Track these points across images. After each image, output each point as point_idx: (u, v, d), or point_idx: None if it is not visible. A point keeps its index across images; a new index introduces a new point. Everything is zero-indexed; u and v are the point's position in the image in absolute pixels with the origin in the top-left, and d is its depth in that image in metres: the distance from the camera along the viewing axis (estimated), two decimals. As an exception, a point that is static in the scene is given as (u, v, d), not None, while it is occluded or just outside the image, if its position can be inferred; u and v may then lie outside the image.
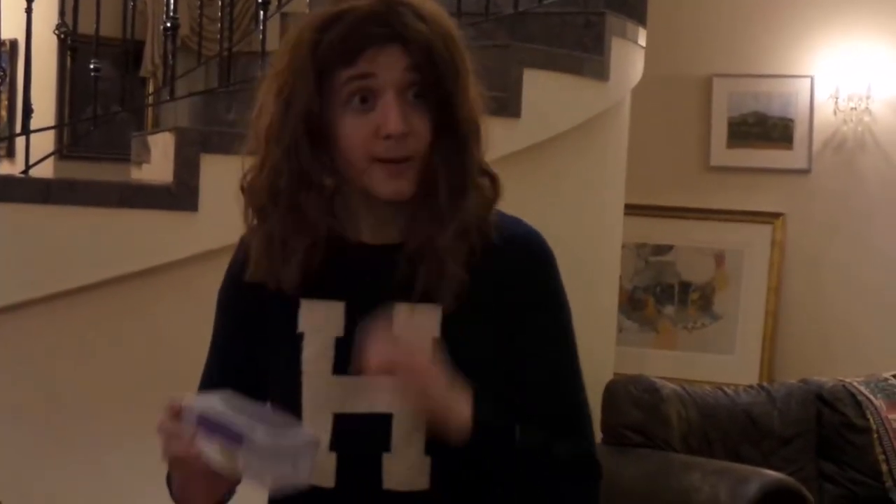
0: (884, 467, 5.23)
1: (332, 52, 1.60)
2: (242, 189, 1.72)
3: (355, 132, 1.61)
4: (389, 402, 1.65)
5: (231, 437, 1.52)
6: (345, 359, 1.67)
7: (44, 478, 3.93)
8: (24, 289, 3.99)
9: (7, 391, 4.02)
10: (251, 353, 1.81)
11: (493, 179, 1.71)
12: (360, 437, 1.69)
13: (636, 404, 4.74)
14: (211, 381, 1.86)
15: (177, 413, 1.55)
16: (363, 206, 1.69)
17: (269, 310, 1.75)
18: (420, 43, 1.58)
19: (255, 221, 1.72)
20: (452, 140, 1.64)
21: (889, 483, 5.22)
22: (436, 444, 1.64)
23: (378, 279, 1.67)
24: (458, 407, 1.58)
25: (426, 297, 1.65)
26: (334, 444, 1.68)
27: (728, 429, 4.94)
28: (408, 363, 1.54)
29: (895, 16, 7.66)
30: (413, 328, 1.65)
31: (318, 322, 1.70)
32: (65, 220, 4.04)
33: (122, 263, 4.04)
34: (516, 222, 1.75)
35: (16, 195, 4.07)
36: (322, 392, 1.70)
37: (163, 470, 1.71)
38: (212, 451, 1.53)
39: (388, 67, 1.59)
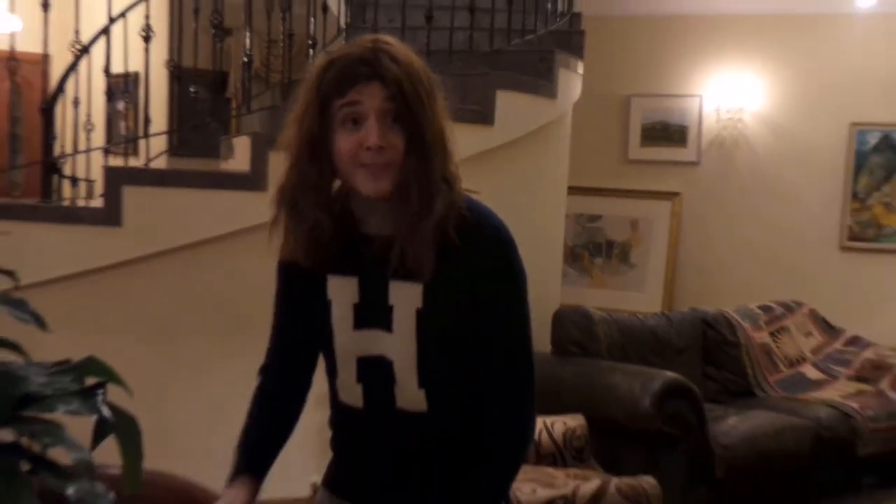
0: (749, 371, 5.27)
1: (329, 87, 1.56)
2: (277, 191, 1.67)
3: (347, 144, 1.55)
4: (390, 351, 1.64)
5: None
6: (361, 318, 1.66)
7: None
8: (144, 246, 4.02)
9: (137, 324, 4.06)
10: (297, 311, 1.79)
11: (452, 183, 1.62)
12: (375, 374, 1.66)
13: (575, 326, 4.77)
14: (275, 330, 1.85)
15: None
16: (368, 208, 1.64)
17: (306, 281, 1.71)
18: (394, 80, 1.53)
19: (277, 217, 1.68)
20: (421, 152, 1.56)
21: (753, 382, 5.26)
22: (426, 382, 1.63)
23: (378, 261, 1.62)
24: None
25: (409, 276, 1.59)
26: (359, 378, 1.69)
27: (640, 343, 4.98)
28: None
29: (760, 53, 7.67)
30: (402, 300, 1.62)
31: (341, 292, 1.68)
32: (175, 198, 4.07)
33: (214, 227, 4.07)
34: (486, 214, 1.65)
35: (141, 180, 4.11)
36: (347, 342, 1.68)
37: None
38: None
39: (371, 98, 1.53)
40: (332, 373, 1.74)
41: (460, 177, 1.65)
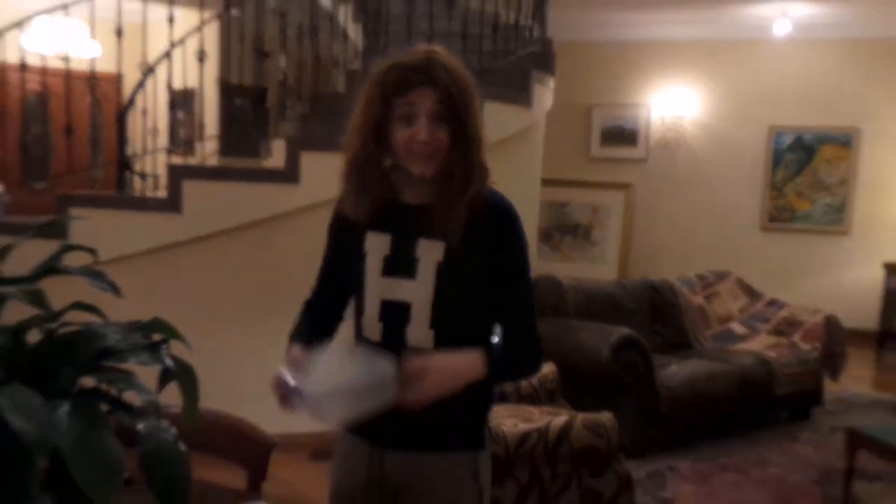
0: (688, 327, 5.26)
1: (390, 87, 1.57)
2: (346, 164, 1.67)
3: (402, 136, 1.57)
4: (410, 295, 1.63)
5: (297, 393, 1.51)
6: (389, 268, 1.65)
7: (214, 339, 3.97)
8: (200, 228, 4.01)
9: (204, 287, 4.05)
10: (340, 260, 1.77)
11: (485, 171, 1.62)
12: (394, 314, 1.65)
13: (549, 292, 4.77)
14: (321, 273, 1.84)
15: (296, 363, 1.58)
16: (407, 181, 1.65)
17: (350, 236, 1.70)
18: (444, 87, 1.53)
19: (346, 183, 1.68)
20: (463, 146, 1.57)
21: (691, 336, 5.26)
22: (436, 323, 1.62)
23: (411, 223, 1.63)
24: (471, 370, 1.57)
25: (436, 236, 1.61)
26: (381, 317, 1.67)
27: (601, 305, 4.97)
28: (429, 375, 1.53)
29: (697, 71, 7.67)
30: (427, 255, 1.62)
31: (376, 246, 1.67)
32: (224, 190, 4.05)
33: (256, 212, 4.06)
34: (500, 196, 1.66)
35: (197, 175, 4.09)
36: (375, 287, 1.67)
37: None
38: (296, 401, 1.52)
39: (424, 100, 1.54)
40: (359, 311, 1.72)
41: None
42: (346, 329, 1.79)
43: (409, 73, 1.56)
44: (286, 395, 1.53)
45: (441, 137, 1.57)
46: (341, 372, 1.54)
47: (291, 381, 1.53)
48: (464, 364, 1.58)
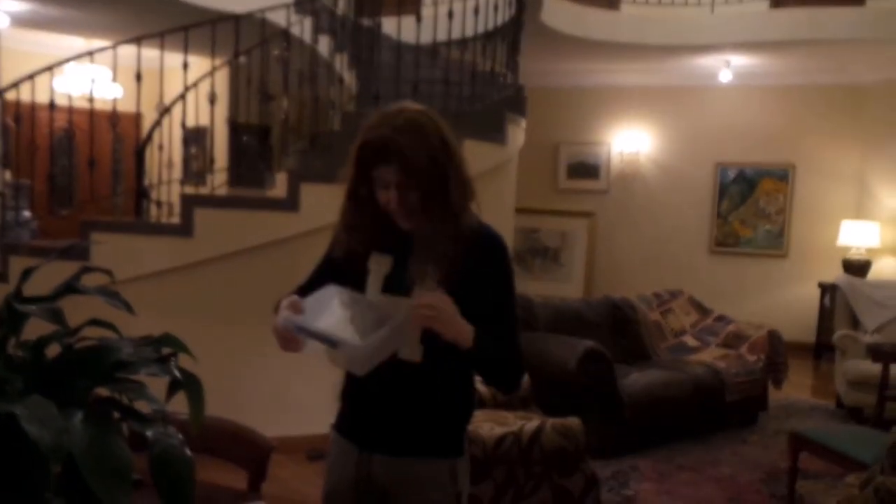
0: (646, 340, 5.26)
1: (364, 162, 1.54)
2: (343, 224, 1.66)
3: (382, 199, 1.56)
4: (404, 311, 1.56)
5: (329, 341, 1.46)
6: (388, 285, 1.61)
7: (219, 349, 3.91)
8: (210, 251, 3.97)
9: (212, 306, 4.00)
10: (330, 270, 1.70)
11: (462, 213, 1.59)
12: None
13: (521, 308, 4.73)
14: (311, 276, 1.78)
15: (294, 306, 1.53)
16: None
17: (355, 256, 1.65)
18: (408, 162, 1.50)
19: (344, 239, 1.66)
20: (436, 201, 1.55)
21: (649, 348, 5.24)
22: (425, 338, 1.56)
23: (410, 247, 1.59)
24: (464, 330, 1.52)
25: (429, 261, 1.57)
26: None
27: (567, 320, 4.95)
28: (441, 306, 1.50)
29: (651, 113, 7.72)
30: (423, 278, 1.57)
31: (378, 265, 1.62)
32: (232, 216, 4.02)
33: (262, 236, 4.03)
34: (489, 227, 1.64)
35: (208, 203, 4.05)
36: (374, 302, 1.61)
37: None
38: (310, 345, 1.49)
39: (391, 174, 1.52)
40: None
41: (472, 204, 1.63)
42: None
43: (370, 154, 1.54)
44: (293, 339, 1.50)
45: (412, 199, 1.54)
46: (367, 319, 1.49)
47: (315, 327, 1.47)
48: (461, 321, 1.52)
